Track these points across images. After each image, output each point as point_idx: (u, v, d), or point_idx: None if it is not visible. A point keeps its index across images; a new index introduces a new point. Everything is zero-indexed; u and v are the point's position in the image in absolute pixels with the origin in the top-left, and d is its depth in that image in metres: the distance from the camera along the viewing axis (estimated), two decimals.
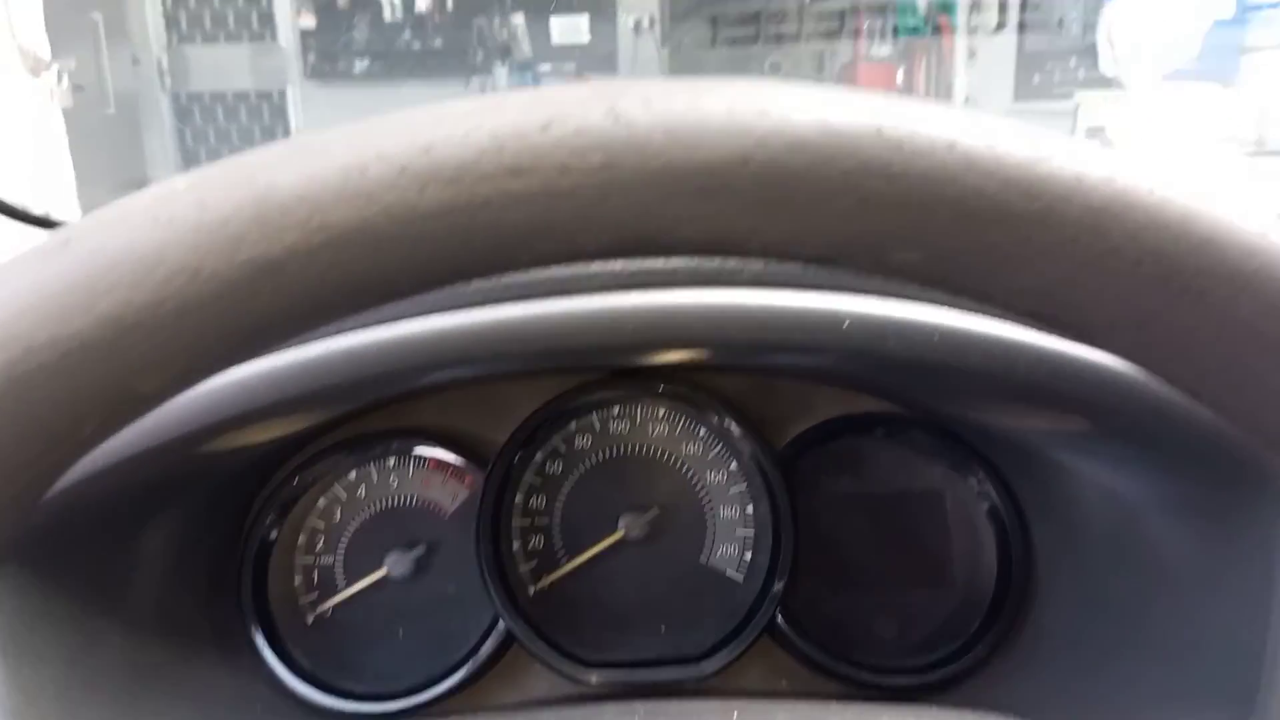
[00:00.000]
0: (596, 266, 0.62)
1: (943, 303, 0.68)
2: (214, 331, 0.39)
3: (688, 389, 1.09)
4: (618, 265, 0.62)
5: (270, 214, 0.37)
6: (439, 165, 0.37)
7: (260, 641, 1.01)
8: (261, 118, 5.64)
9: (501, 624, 1.03)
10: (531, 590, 1.09)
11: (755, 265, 0.63)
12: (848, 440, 1.12)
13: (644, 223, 0.39)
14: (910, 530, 1.12)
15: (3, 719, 0.73)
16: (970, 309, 0.69)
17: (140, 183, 0.45)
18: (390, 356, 0.64)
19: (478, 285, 0.63)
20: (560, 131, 0.37)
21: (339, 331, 0.66)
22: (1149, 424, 0.72)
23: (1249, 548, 0.75)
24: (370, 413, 1.07)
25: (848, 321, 0.64)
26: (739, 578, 1.11)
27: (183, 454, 0.74)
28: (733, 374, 1.11)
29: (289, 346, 0.64)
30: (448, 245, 0.39)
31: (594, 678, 1.02)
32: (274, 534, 1.05)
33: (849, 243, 0.41)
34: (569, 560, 1.09)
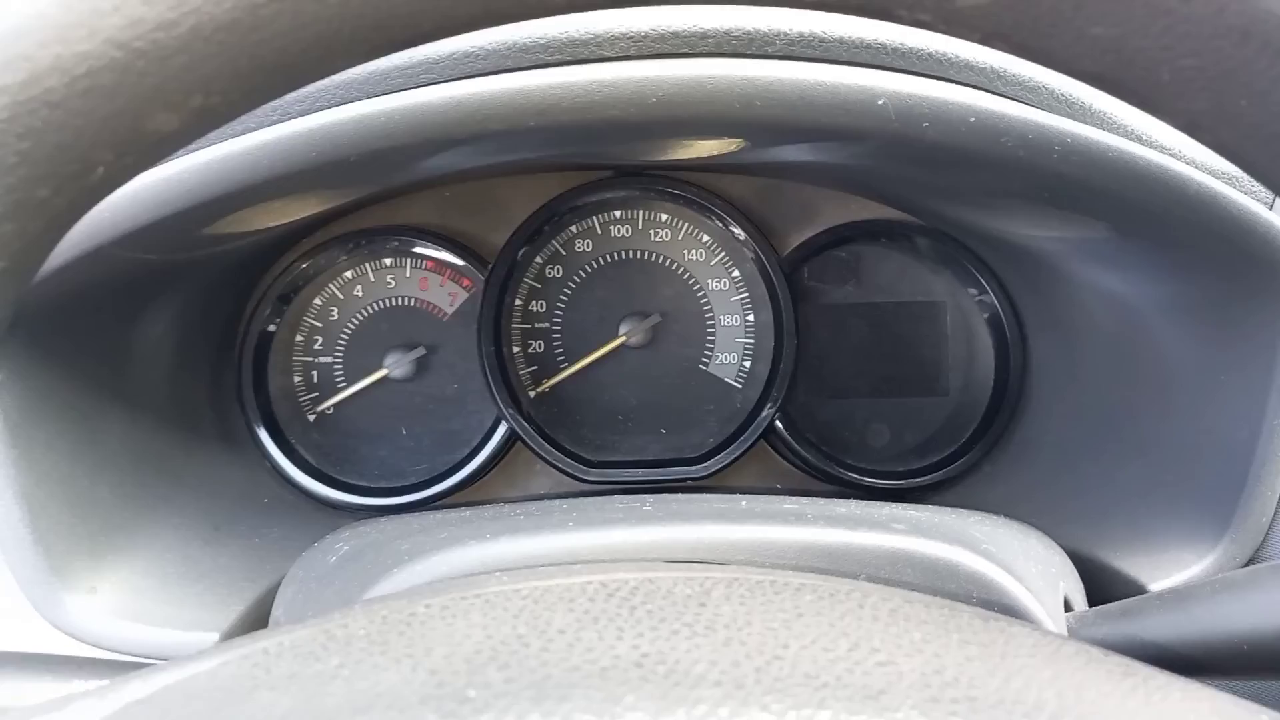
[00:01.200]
0: (619, 28, 0.58)
1: (978, 85, 0.65)
2: (233, 61, 0.36)
3: (692, 190, 1.06)
4: (643, 27, 0.58)
5: None
6: None
7: (263, 435, 1.02)
8: None
9: (504, 424, 1.04)
10: (533, 393, 1.09)
11: (789, 32, 0.59)
12: (852, 247, 1.11)
13: None
14: (909, 339, 1.12)
15: (12, 500, 0.73)
16: (1005, 93, 0.66)
17: None
18: (402, 126, 0.60)
19: (493, 48, 0.59)
20: None
21: (344, 100, 0.62)
22: (1174, 221, 0.71)
23: (1250, 349, 0.76)
24: (367, 208, 1.03)
25: (883, 99, 0.61)
26: (738, 384, 1.11)
27: (180, 236, 0.71)
28: (738, 176, 1.08)
29: (297, 112, 0.60)
30: None
31: (596, 476, 1.04)
32: (272, 326, 1.04)
33: None
34: (569, 365, 1.09)
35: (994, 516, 0.82)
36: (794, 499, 0.76)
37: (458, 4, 0.37)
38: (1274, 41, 0.38)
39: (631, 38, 0.59)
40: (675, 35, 0.59)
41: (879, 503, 0.81)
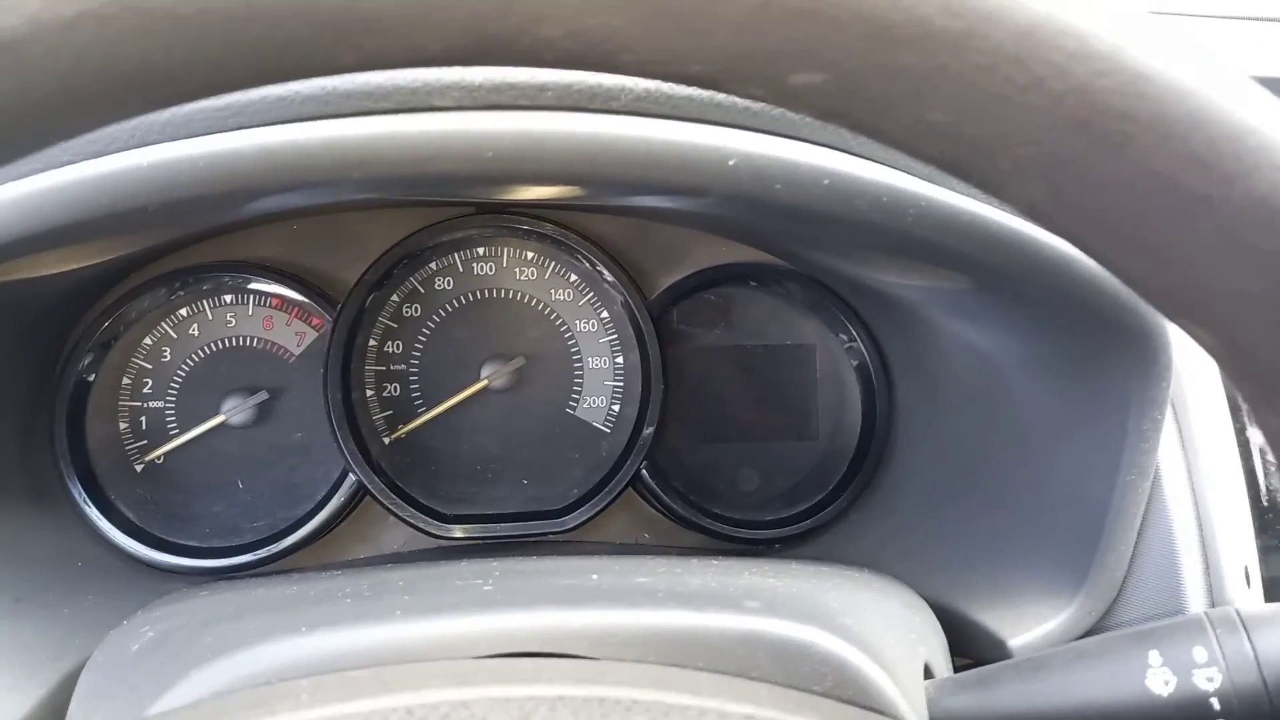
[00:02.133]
0: (452, 76, 0.53)
1: (833, 145, 0.63)
2: None
3: (559, 230, 1.02)
4: (477, 78, 0.54)
5: None
6: None
7: (77, 491, 0.92)
8: None
9: (352, 476, 0.97)
10: (387, 440, 1.03)
11: (634, 88, 0.56)
12: (721, 290, 1.09)
13: (498, 18, 0.32)
14: (778, 383, 1.10)
15: None
16: (861, 153, 0.64)
17: None
18: (207, 175, 0.54)
19: (311, 93, 0.54)
20: None
21: (141, 143, 0.56)
22: (1028, 282, 0.70)
23: (1104, 406, 0.76)
24: (204, 241, 0.96)
25: (734, 160, 0.58)
26: (606, 429, 1.08)
27: None
28: (606, 216, 1.05)
29: (69, 159, 0.53)
30: (249, 29, 0.30)
31: (453, 531, 0.98)
32: (92, 375, 0.95)
33: (744, 58, 0.34)
34: (427, 410, 1.03)
35: (858, 573, 0.81)
36: (649, 566, 0.72)
37: (225, 64, 0.32)
38: (1111, 134, 0.36)
39: (465, 88, 0.54)
40: (512, 87, 0.55)
41: (738, 563, 0.78)
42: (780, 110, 0.61)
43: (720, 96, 0.58)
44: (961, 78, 0.35)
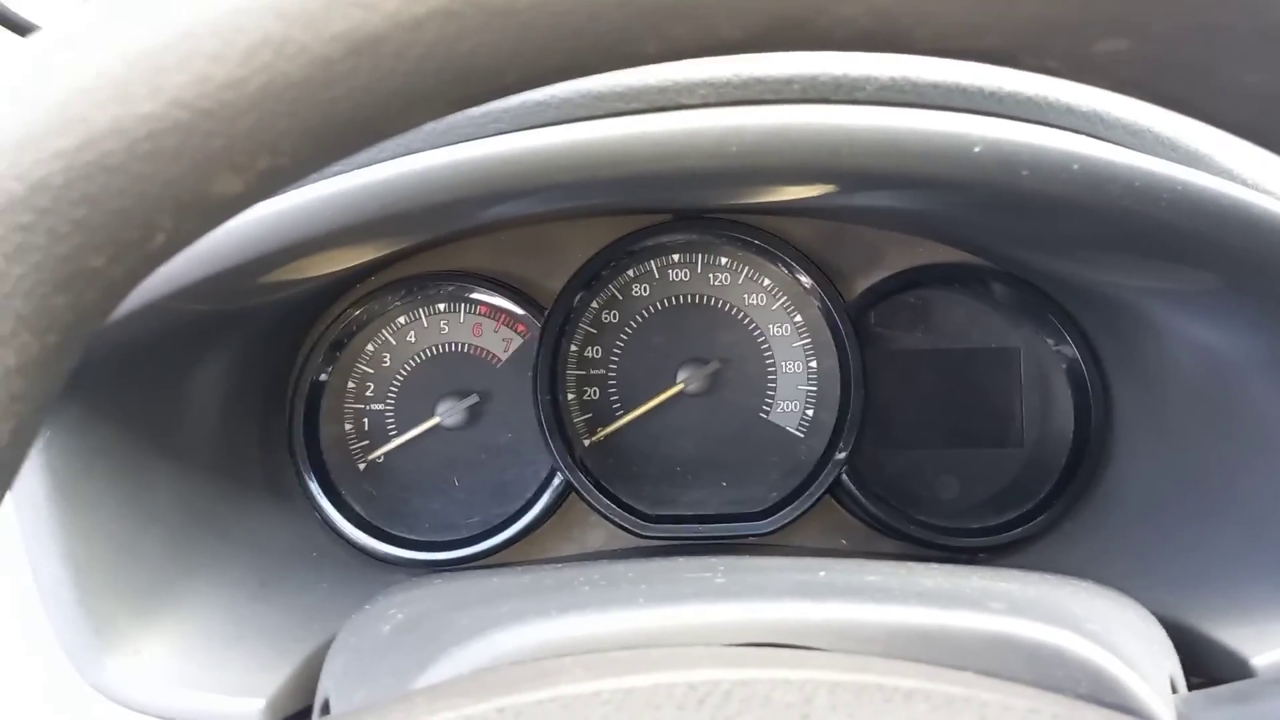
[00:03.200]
0: (699, 74, 0.54)
1: (1080, 129, 0.61)
2: (303, 121, 0.32)
3: (755, 233, 1.02)
4: (724, 73, 0.55)
5: None
6: None
7: (314, 486, 0.99)
8: None
9: (559, 476, 1.00)
10: (587, 442, 1.06)
11: (879, 77, 0.56)
12: (920, 292, 1.06)
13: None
14: (981, 388, 1.07)
15: (56, 560, 0.71)
16: (1109, 138, 0.61)
17: None
18: (470, 179, 0.57)
19: (567, 96, 0.56)
20: None
21: (408, 151, 0.60)
22: None
23: None
24: (420, 254, 1.01)
25: (979, 146, 0.57)
26: (800, 434, 1.07)
27: (236, 287, 0.69)
28: (799, 220, 1.04)
29: (360, 163, 0.58)
30: (572, 21, 0.32)
31: (656, 530, 1.00)
32: (324, 375, 1.02)
33: (1047, 27, 0.34)
34: (625, 413, 1.06)
35: (1086, 583, 0.77)
36: (873, 566, 0.71)
37: (543, 55, 0.33)
38: None
39: (712, 84, 0.56)
40: (758, 81, 0.55)
41: (964, 568, 0.76)
42: (1028, 94, 0.59)
43: (964, 82, 0.58)
44: None
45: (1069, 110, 0.60)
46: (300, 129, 0.33)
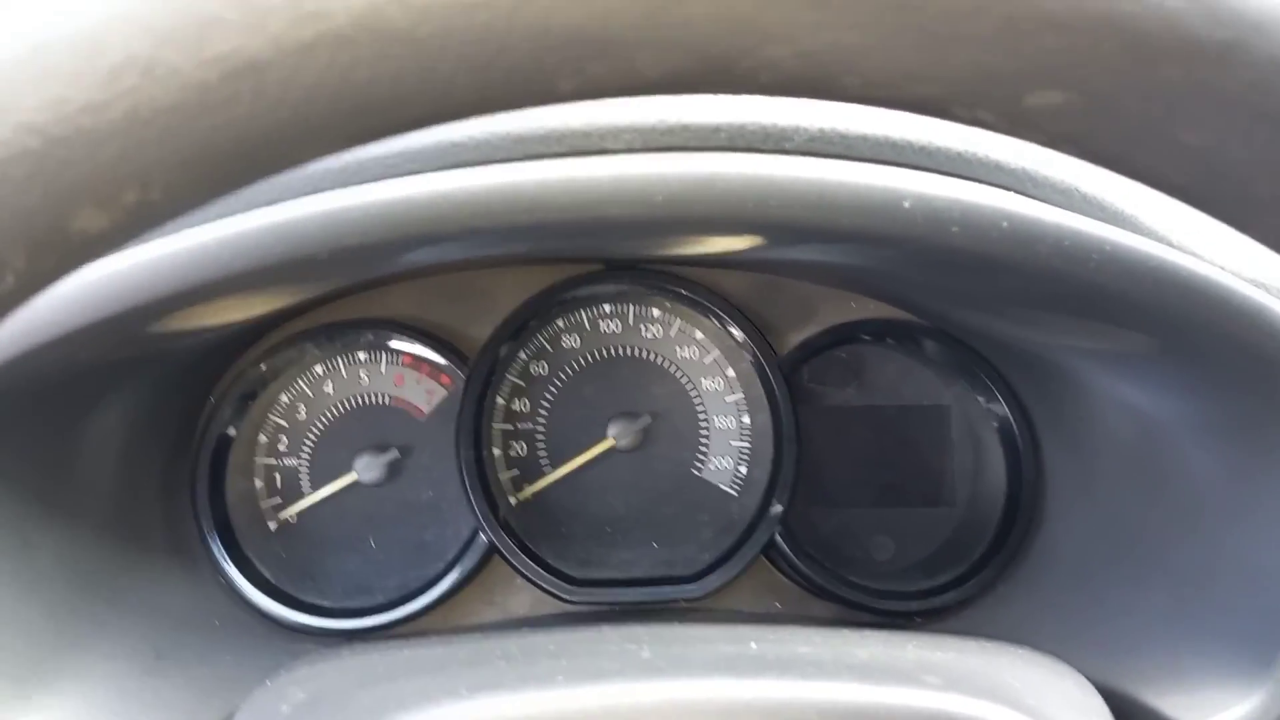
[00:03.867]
0: (624, 119, 0.52)
1: (1010, 187, 0.60)
2: (177, 151, 0.29)
3: (688, 286, 1.00)
4: (650, 119, 0.53)
5: None
6: None
7: (217, 548, 0.93)
8: None
9: (481, 536, 0.96)
10: (513, 500, 1.01)
11: (808, 128, 0.54)
12: (853, 348, 1.05)
13: (722, 38, 0.30)
14: (914, 445, 1.06)
15: None
16: (1038, 196, 0.61)
17: None
18: (380, 222, 0.54)
19: (484, 137, 0.53)
20: None
21: (314, 189, 0.56)
22: (1212, 338, 0.65)
23: None
24: (338, 300, 0.97)
25: (909, 201, 0.55)
26: (733, 492, 1.04)
27: (123, 336, 0.64)
28: (732, 273, 1.03)
29: (257, 203, 0.54)
30: (480, 52, 0.29)
31: (580, 595, 0.95)
32: (232, 429, 0.96)
33: (980, 77, 0.32)
34: (554, 469, 1.02)
35: (1021, 651, 0.75)
36: (805, 635, 0.68)
37: (450, 89, 0.30)
38: None
39: (637, 130, 0.54)
40: (684, 128, 0.53)
41: (900, 636, 0.74)
42: (958, 149, 0.58)
43: (895, 135, 0.56)
44: (1224, 94, 0.32)
45: (998, 167, 0.59)
46: (174, 160, 0.30)
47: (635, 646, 0.62)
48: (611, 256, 0.99)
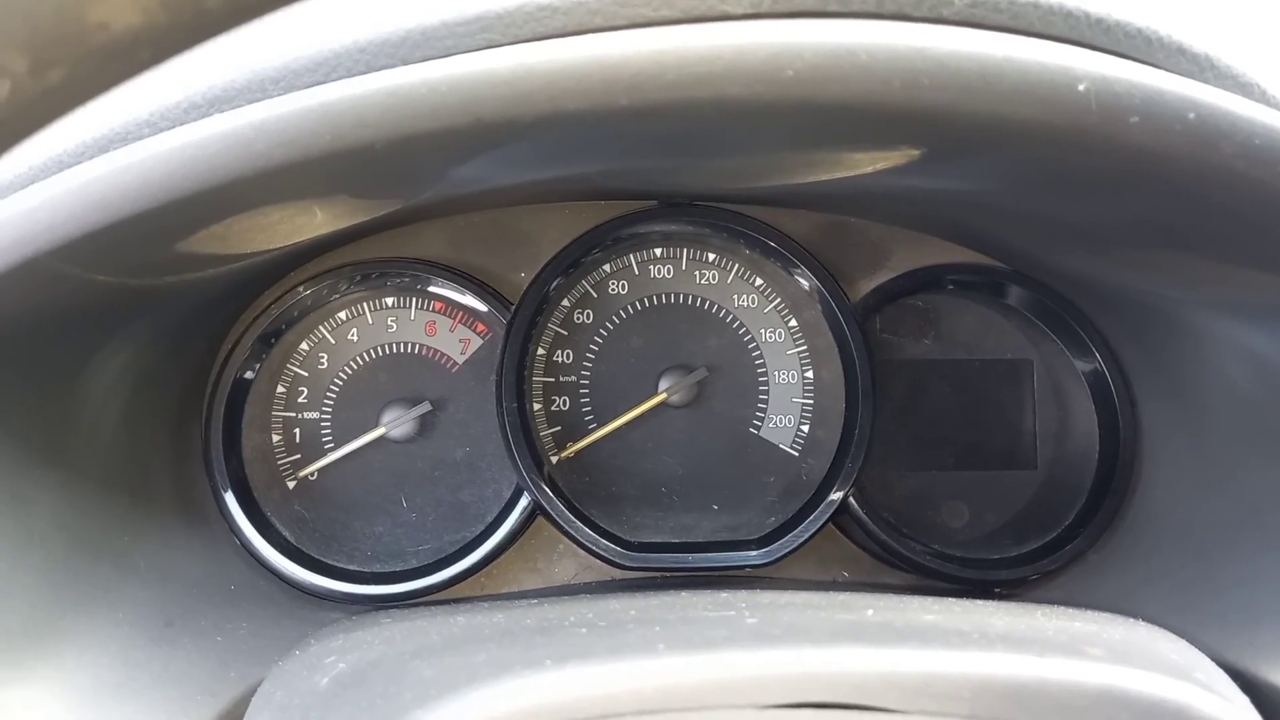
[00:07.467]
0: None
1: (1193, 75, 0.51)
2: None
3: (750, 225, 0.91)
4: None
5: None
6: None
7: (233, 506, 0.83)
8: None
9: (525, 496, 0.86)
10: (555, 458, 0.92)
11: None
12: (930, 296, 0.96)
13: None
14: (994, 403, 0.97)
15: None
16: (1228, 86, 0.52)
17: None
18: (444, 103, 0.44)
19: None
20: None
21: (369, 67, 0.47)
22: None
23: None
24: (364, 238, 0.87)
25: (1084, 84, 0.46)
26: (794, 453, 0.95)
27: (146, 249, 0.55)
28: (796, 212, 0.93)
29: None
30: None
31: (635, 560, 0.86)
32: (250, 373, 0.86)
33: None
34: (600, 425, 0.93)
35: (1150, 627, 0.67)
36: (921, 603, 0.60)
37: None
38: None
39: None
40: None
41: (1024, 605, 0.65)
42: (1137, 25, 0.49)
43: (1070, 5, 0.47)
44: None
45: (1180, 51, 0.50)
46: None
47: (733, 612, 0.54)
48: (666, 191, 0.89)
